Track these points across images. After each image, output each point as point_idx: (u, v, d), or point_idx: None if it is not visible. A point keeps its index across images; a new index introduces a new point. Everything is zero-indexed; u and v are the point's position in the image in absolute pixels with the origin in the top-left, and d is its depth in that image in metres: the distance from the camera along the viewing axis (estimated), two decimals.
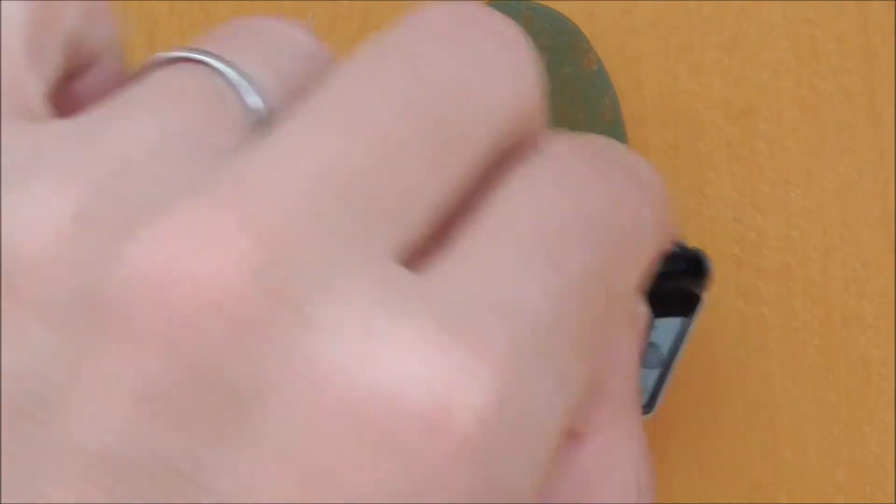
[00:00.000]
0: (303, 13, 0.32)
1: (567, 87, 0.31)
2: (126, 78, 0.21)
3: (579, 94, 0.31)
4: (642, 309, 0.26)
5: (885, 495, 0.31)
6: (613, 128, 0.31)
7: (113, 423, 0.17)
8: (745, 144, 0.32)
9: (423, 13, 0.20)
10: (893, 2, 0.32)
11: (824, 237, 0.32)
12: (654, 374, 0.30)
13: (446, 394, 0.17)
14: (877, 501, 0.32)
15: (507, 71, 0.21)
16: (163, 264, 0.17)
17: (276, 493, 0.17)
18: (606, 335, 0.21)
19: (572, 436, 0.23)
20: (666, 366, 0.30)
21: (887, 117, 0.32)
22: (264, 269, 0.17)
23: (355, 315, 0.18)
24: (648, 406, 0.29)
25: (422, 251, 0.20)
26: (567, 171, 0.21)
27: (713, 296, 0.32)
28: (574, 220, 0.20)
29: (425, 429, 0.17)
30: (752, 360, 0.32)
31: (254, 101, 0.20)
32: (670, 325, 0.30)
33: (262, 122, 0.20)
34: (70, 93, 0.21)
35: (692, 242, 0.32)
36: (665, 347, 0.30)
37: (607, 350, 0.23)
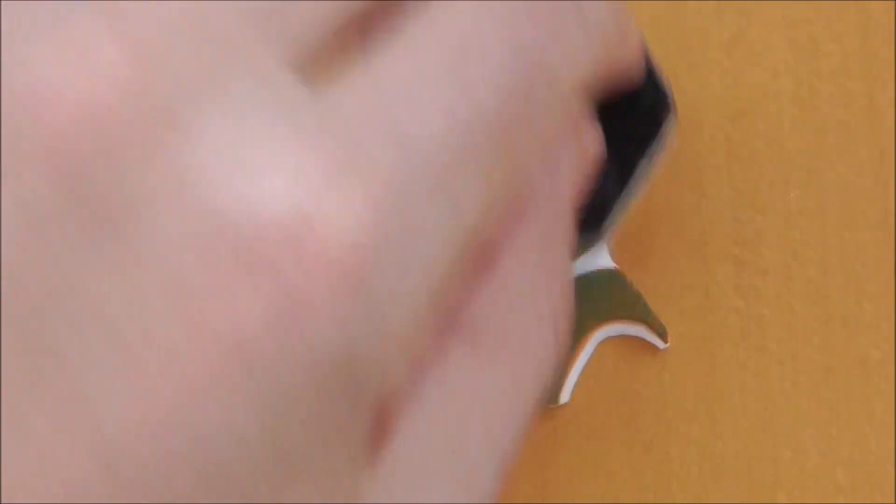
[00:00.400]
0: None
1: None
2: None
3: None
4: (593, 143, 0.25)
5: (885, 495, 0.31)
6: None
7: None
8: (744, 144, 0.32)
9: None
10: (893, 2, 0.32)
11: (824, 237, 0.32)
12: (603, 201, 0.29)
13: (320, 219, 0.17)
14: (877, 501, 0.32)
15: None
16: (43, 84, 0.17)
17: (147, 319, 0.17)
18: (531, 158, 0.20)
19: (491, 260, 0.22)
20: (618, 192, 0.29)
21: (887, 117, 0.32)
22: (139, 85, 0.17)
23: (232, 127, 0.17)
24: (598, 229, 0.29)
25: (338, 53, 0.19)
26: (501, 2, 0.20)
27: (713, 295, 0.32)
28: (497, 50, 0.19)
29: (294, 250, 0.17)
30: (752, 360, 0.32)
31: None
32: (625, 155, 0.29)
33: None
34: None
35: (692, 242, 0.32)
36: (617, 176, 0.29)
37: (535, 173, 0.21)
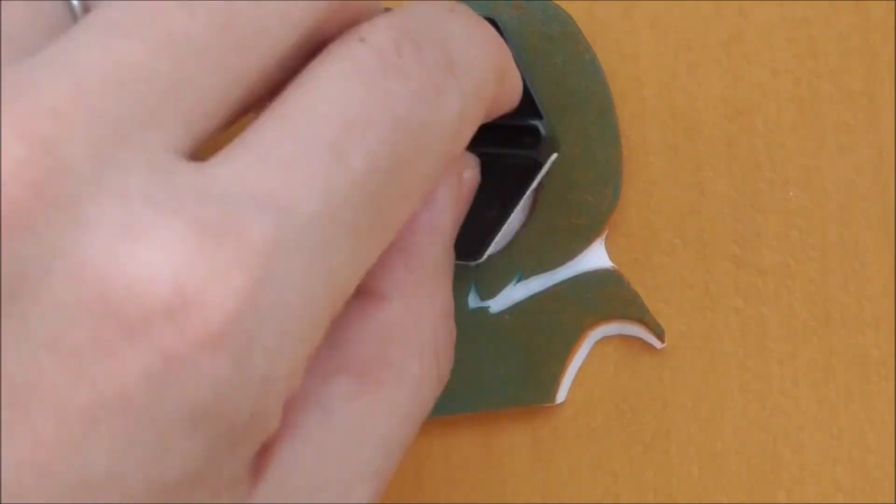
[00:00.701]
0: None
1: (558, 75, 0.31)
2: None
3: (571, 82, 0.31)
4: (470, 172, 0.26)
5: (885, 495, 0.31)
6: (604, 117, 0.31)
7: None
8: (743, 144, 0.32)
9: None
10: (893, 2, 0.32)
11: (823, 236, 0.32)
12: (485, 225, 0.30)
13: (192, 287, 0.19)
14: (877, 501, 0.32)
15: None
16: None
17: (38, 375, 0.18)
18: (404, 213, 0.22)
19: (374, 295, 0.24)
20: (497, 220, 0.30)
21: (887, 117, 0.32)
22: (35, 172, 0.19)
23: (119, 211, 0.19)
24: (476, 254, 0.29)
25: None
26: (371, 64, 0.21)
27: (713, 295, 0.32)
28: (369, 112, 0.21)
29: (170, 320, 0.19)
30: (751, 359, 0.32)
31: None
32: (508, 185, 0.30)
33: (79, 16, 0.22)
34: None
35: (691, 241, 0.32)
36: (499, 203, 0.30)
37: (412, 216, 0.23)
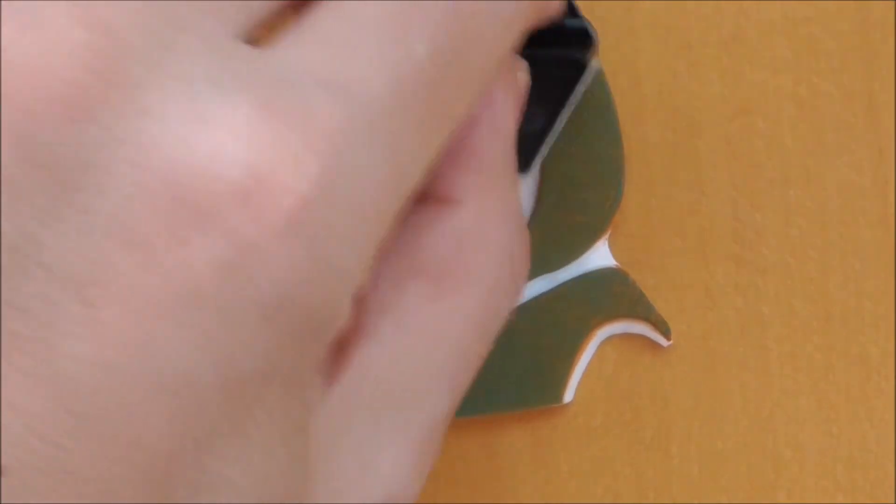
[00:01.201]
0: None
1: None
2: None
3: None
4: (521, 74, 0.26)
5: (885, 495, 0.31)
6: (604, 116, 0.31)
7: None
8: (743, 142, 0.32)
9: None
10: (893, 1, 0.32)
11: (823, 235, 0.32)
12: (532, 137, 0.30)
13: (265, 170, 0.18)
14: (877, 501, 0.32)
15: None
16: (11, 58, 0.18)
17: (105, 268, 0.18)
18: (465, 104, 0.21)
19: (446, 199, 0.23)
20: (546, 127, 0.30)
21: (887, 116, 0.32)
22: (97, 56, 0.18)
23: (184, 95, 0.18)
24: (525, 166, 0.29)
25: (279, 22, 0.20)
26: None
27: (713, 294, 0.32)
28: (426, 6, 0.20)
29: (242, 205, 0.18)
30: (752, 358, 0.32)
31: None
32: (553, 91, 0.30)
33: None
34: None
35: (691, 240, 0.32)
36: (545, 112, 0.30)
37: (472, 116, 0.23)
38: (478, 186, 0.23)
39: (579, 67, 0.29)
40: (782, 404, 0.32)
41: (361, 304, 0.21)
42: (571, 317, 0.31)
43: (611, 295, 0.31)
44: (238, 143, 0.18)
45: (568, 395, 0.31)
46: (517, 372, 0.31)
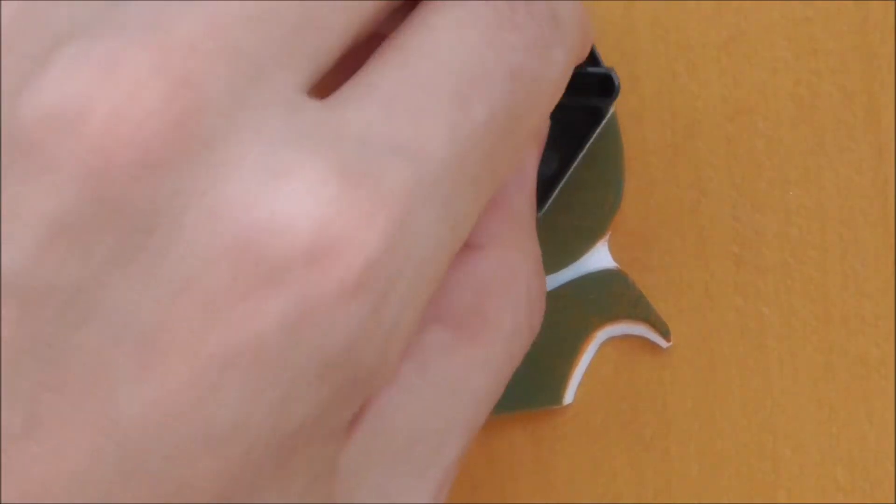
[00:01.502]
0: None
1: None
2: None
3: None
4: (545, 123, 0.26)
5: (885, 495, 0.31)
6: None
7: (25, 246, 0.18)
8: (743, 143, 0.32)
9: None
10: (893, 1, 0.32)
11: (823, 235, 0.32)
12: (545, 179, 0.30)
13: (336, 231, 0.18)
14: (877, 501, 0.32)
15: None
16: (78, 97, 0.18)
17: (170, 317, 0.18)
18: (511, 165, 0.22)
19: (470, 246, 0.23)
20: (560, 171, 0.30)
21: (886, 116, 0.32)
22: (176, 107, 0.18)
23: (259, 151, 0.18)
24: (539, 205, 0.30)
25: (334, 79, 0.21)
26: (487, 14, 0.21)
27: (713, 294, 0.32)
28: (487, 63, 0.21)
29: (311, 265, 0.18)
30: (751, 359, 0.32)
31: None
32: (569, 136, 0.30)
33: None
34: None
35: (691, 241, 0.32)
36: (560, 156, 0.30)
37: (511, 172, 0.23)
38: (501, 235, 0.24)
39: (597, 114, 0.30)
40: (782, 404, 0.32)
41: None
42: (571, 318, 0.31)
43: (610, 296, 0.31)
44: (310, 202, 0.18)
45: (568, 397, 0.31)
46: (517, 374, 0.31)
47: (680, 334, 0.32)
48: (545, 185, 0.30)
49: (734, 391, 0.32)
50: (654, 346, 0.32)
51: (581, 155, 0.30)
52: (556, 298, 0.31)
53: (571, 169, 0.30)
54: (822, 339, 0.32)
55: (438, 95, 0.20)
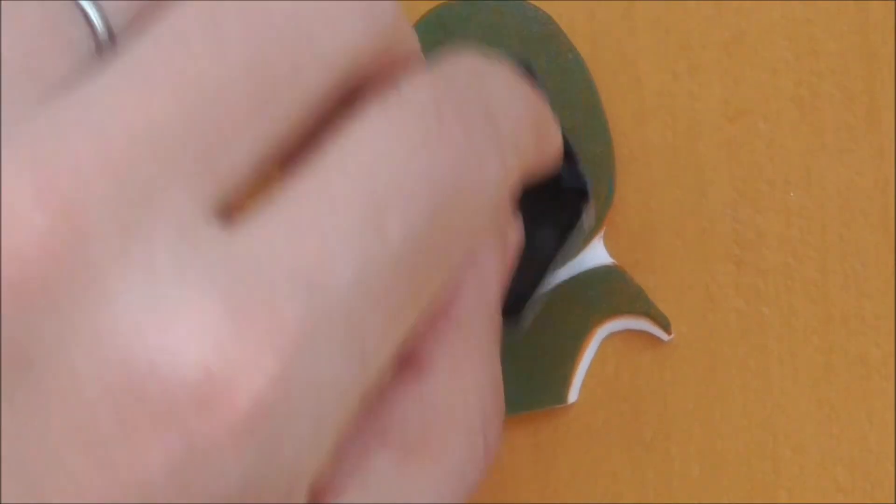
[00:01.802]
0: None
1: (543, 76, 0.31)
2: None
3: (556, 82, 0.31)
4: (514, 234, 0.25)
5: (885, 495, 0.32)
6: (592, 114, 0.31)
7: None
8: (744, 144, 0.32)
9: None
10: (893, 2, 0.32)
11: (824, 237, 0.32)
12: (522, 290, 0.30)
13: (224, 372, 0.17)
14: (877, 501, 0.32)
15: (354, 8, 0.20)
16: None
17: (52, 460, 0.17)
18: (443, 283, 0.21)
19: (420, 365, 0.22)
20: (534, 284, 0.30)
21: (887, 117, 0.32)
22: (56, 241, 0.17)
23: (145, 284, 0.18)
24: (516, 318, 0.30)
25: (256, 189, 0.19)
26: (411, 125, 0.20)
27: (713, 295, 0.32)
28: (409, 180, 0.20)
29: (199, 405, 0.17)
30: (752, 359, 0.32)
31: (91, 14, 0.20)
32: (546, 245, 0.30)
33: (103, 42, 0.20)
34: None
35: (692, 242, 0.32)
36: (537, 266, 0.30)
37: (456, 282, 0.22)
38: (453, 353, 0.23)
39: (574, 222, 0.30)
40: (782, 405, 0.32)
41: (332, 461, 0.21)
42: (571, 316, 0.31)
43: (609, 292, 0.31)
44: (197, 341, 0.17)
45: (572, 396, 0.31)
46: (520, 375, 0.31)
47: (681, 335, 0.32)
48: (522, 295, 0.30)
49: (735, 392, 0.32)
50: (655, 347, 0.32)
51: (559, 263, 0.30)
52: (554, 298, 0.31)
53: (549, 277, 0.30)
54: (823, 340, 0.32)
55: (350, 216, 0.19)
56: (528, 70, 0.29)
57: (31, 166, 0.17)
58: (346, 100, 0.21)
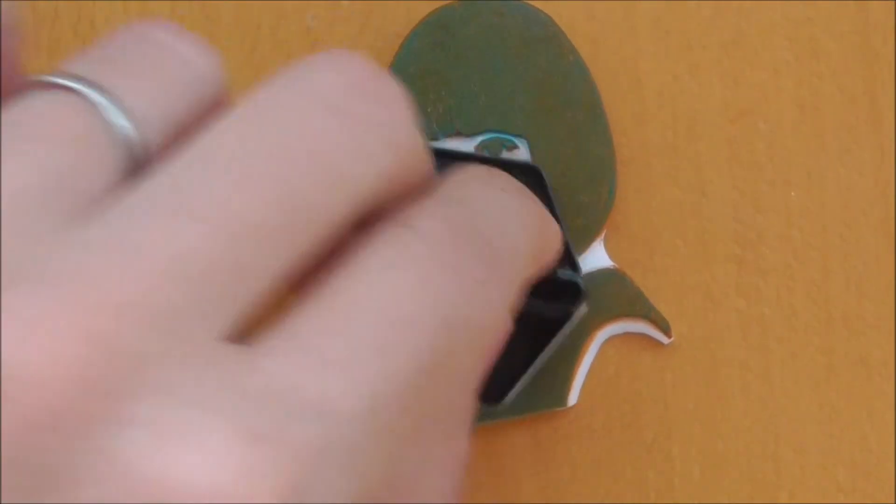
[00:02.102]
0: (302, 13, 0.32)
1: (544, 78, 0.31)
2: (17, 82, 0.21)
3: (557, 84, 0.31)
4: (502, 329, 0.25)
5: (885, 495, 0.31)
6: (593, 115, 0.31)
7: None
8: (745, 144, 0.32)
9: (309, 69, 0.21)
10: (894, 2, 0.32)
11: (824, 237, 0.32)
12: (510, 373, 0.30)
13: (231, 495, 0.18)
14: (877, 502, 0.32)
15: (379, 139, 0.21)
16: (4, 361, 0.18)
17: None
18: (452, 406, 0.22)
19: None
20: (525, 366, 0.30)
21: (888, 117, 0.32)
22: (90, 369, 0.18)
23: (165, 411, 0.19)
24: (500, 398, 0.30)
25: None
26: (422, 256, 0.21)
27: (714, 296, 0.32)
28: (418, 311, 0.20)
29: None
30: (753, 360, 0.32)
31: (127, 133, 0.21)
32: (537, 335, 0.30)
33: (139, 160, 0.21)
34: None
35: (693, 242, 0.32)
36: (526, 352, 0.30)
37: (454, 414, 0.23)
38: (435, 433, 0.23)
39: (565, 315, 0.30)
40: (783, 406, 0.32)
41: None
42: None
43: (609, 295, 0.31)
44: (209, 465, 0.18)
45: (572, 398, 0.31)
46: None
47: (682, 335, 0.32)
48: (509, 378, 0.30)
49: (736, 392, 0.32)
50: (655, 348, 0.32)
51: (549, 352, 0.30)
52: None
53: (537, 364, 0.30)
54: (824, 341, 0.32)
55: (361, 345, 0.20)
56: (536, 173, 0.29)
57: (70, 291, 0.18)
58: (360, 221, 0.22)
